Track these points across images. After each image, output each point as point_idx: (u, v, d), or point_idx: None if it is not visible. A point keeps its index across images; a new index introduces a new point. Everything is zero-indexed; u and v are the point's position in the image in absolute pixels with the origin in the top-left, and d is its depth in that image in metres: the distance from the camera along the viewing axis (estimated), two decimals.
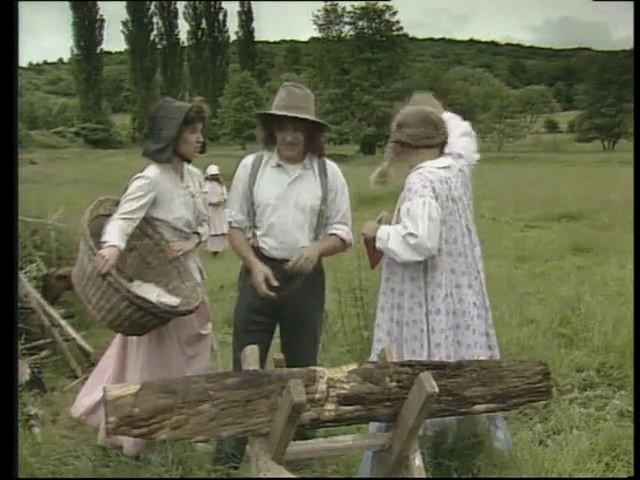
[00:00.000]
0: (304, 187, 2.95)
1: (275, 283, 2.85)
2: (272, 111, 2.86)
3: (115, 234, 2.87)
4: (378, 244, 2.81)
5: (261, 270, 2.88)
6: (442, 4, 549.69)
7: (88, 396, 3.20)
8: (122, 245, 2.88)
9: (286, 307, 2.95)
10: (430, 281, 2.80)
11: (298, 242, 2.93)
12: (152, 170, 3.07)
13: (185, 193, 3.18)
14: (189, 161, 3.21)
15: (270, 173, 2.97)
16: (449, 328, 2.79)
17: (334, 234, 3.02)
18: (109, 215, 3.01)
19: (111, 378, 3.11)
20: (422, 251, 2.69)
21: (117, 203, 3.06)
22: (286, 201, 2.93)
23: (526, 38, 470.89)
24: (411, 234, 2.67)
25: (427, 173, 2.78)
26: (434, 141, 2.85)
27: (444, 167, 2.84)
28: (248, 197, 2.99)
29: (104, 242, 2.85)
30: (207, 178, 9.49)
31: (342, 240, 3.04)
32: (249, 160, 3.04)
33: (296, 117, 2.82)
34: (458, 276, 2.83)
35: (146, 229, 3.14)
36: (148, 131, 3.24)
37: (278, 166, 2.97)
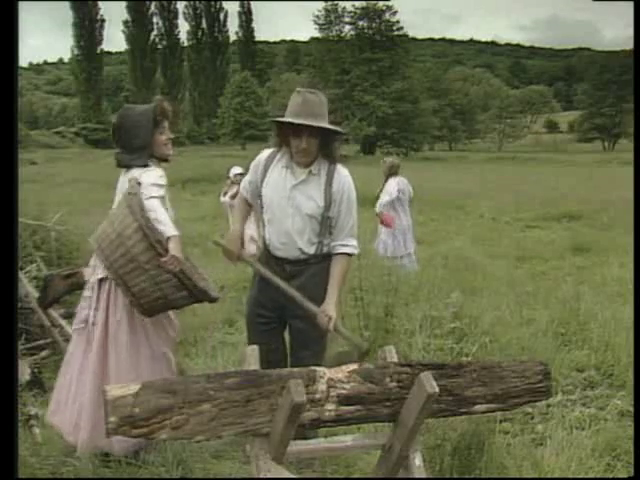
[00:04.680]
0: (306, 193, 2.92)
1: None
2: (289, 119, 2.80)
3: (168, 223, 2.82)
4: None
5: (232, 233, 3.10)
6: (431, 5, 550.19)
7: (54, 400, 3.11)
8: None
9: (290, 304, 2.94)
10: None
11: (297, 245, 2.93)
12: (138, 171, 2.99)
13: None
14: (166, 160, 3.16)
15: (279, 172, 2.97)
16: None
17: (343, 253, 2.97)
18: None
19: (92, 382, 2.97)
20: None
21: None
22: (287, 204, 2.92)
23: (516, 38, 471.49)
24: None
25: None
26: None
27: None
28: (255, 189, 3.04)
29: (159, 232, 2.77)
30: (236, 180, 7.61)
31: (350, 255, 3.00)
32: (264, 154, 3.05)
33: (311, 125, 2.78)
34: None
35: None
36: (115, 141, 3.09)
37: (287, 167, 2.95)
